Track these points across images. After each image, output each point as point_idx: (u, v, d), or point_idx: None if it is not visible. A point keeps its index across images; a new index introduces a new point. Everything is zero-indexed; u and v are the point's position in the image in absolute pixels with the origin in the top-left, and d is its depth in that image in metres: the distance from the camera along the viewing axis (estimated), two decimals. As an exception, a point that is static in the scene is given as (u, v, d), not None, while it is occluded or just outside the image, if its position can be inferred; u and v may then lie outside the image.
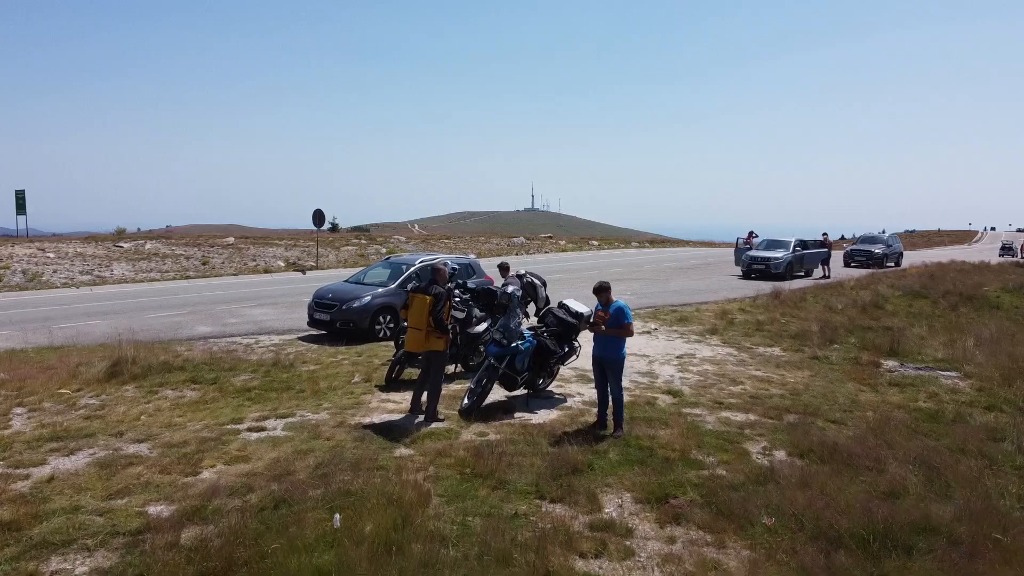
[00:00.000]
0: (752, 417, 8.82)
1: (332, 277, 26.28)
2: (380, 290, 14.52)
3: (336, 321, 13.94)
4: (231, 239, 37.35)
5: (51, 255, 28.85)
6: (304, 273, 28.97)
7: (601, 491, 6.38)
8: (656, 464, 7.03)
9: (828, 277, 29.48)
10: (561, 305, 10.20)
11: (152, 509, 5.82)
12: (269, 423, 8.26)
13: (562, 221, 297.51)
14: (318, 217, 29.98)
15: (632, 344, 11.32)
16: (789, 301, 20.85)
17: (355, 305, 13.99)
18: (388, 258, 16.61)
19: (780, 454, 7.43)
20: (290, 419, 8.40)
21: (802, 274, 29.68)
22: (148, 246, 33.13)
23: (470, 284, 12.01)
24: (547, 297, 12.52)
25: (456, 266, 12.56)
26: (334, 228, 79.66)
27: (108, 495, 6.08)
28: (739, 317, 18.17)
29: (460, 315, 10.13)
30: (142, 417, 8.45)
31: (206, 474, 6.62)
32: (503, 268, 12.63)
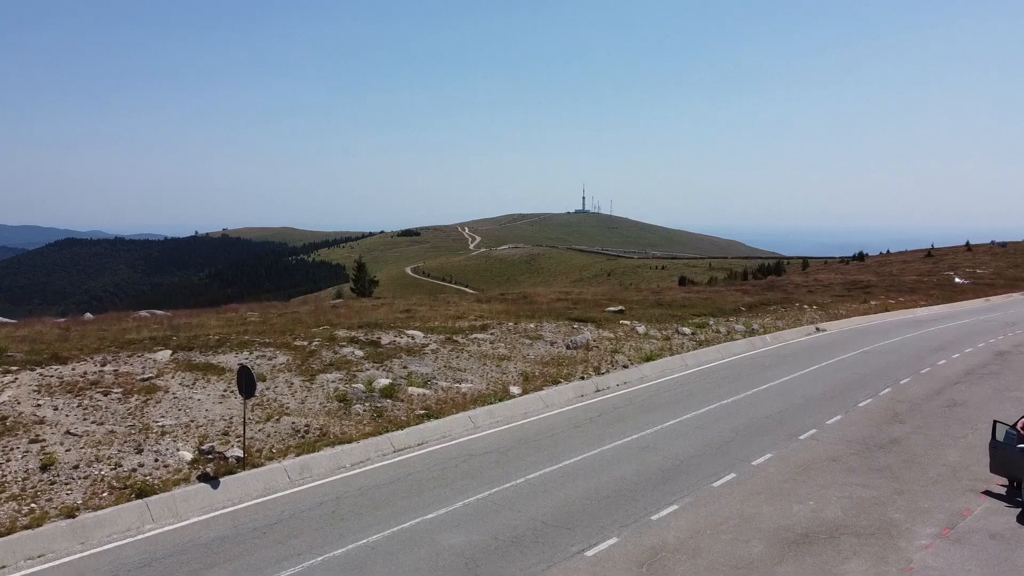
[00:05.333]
0: None
1: (264, 511, 12.79)
2: None
3: None
4: (164, 354, 24.14)
5: None
6: (216, 487, 15.66)
7: None
8: None
9: None
10: None
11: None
12: None
13: (614, 223, 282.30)
14: (245, 382, 16.54)
15: None
16: None
17: None
18: None
19: None
20: None
21: None
22: (3, 398, 20.20)
23: None
24: None
25: None
26: (360, 269, 61.13)
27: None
28: None
29: None
30: None
31: None
32: None
